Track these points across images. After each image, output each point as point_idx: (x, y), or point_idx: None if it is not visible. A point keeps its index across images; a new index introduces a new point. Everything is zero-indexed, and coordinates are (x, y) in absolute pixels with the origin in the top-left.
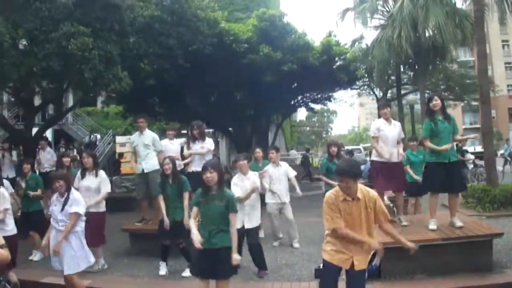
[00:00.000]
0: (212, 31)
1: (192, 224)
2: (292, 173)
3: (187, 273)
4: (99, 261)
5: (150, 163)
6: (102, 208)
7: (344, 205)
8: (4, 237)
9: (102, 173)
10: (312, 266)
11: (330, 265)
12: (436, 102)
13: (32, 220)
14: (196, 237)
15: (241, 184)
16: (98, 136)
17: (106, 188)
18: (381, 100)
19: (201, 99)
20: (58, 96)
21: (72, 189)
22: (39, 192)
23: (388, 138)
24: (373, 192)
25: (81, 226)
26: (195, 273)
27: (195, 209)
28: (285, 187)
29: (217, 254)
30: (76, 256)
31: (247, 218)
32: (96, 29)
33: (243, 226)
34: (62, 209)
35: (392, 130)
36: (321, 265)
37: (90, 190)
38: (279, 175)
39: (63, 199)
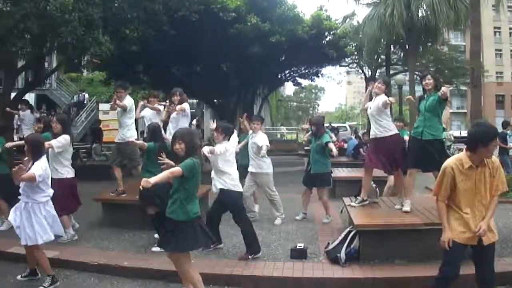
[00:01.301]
0: None
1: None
2: (262, 141)
3: (156, 248)
4: (67, 232)
5: (123, 134)
6: (65, 174)
7: (471, 172)
8: None
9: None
10: (289, 245)
11: (458, 244)
12: (429, 81)
13: None
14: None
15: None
16: (86, 95)
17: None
18: (369, 79)
19: (187, 68)
20: (39, 59)
21: (43, 156)
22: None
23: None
24: (495, 158)
25: (44, 196)
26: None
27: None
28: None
29: (172, 225)
30: (35, 228)
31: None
32: None
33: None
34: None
35: (372, 105)
36: (298, 245)
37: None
38: (252, 144)
39: (30, 165)
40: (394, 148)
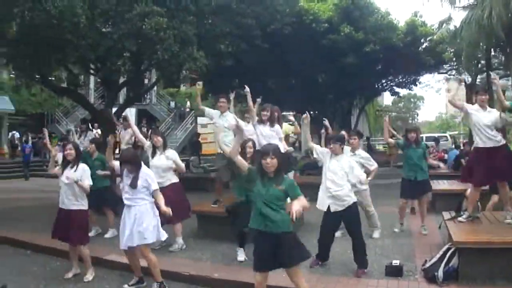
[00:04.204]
0: (291, 11)
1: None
2: (366, 164)
3: (241, 257)
4: (178, 241)
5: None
6: (173, 179)
7: None
8: (80, 211)
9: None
10: (385, 261)
11: None
12: None
13: (103, 197)
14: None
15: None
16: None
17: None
18: (470, 86)
19: (281, 81)
20: (138, 75)
21: (143, 166)
22: (107, 172)
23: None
24: None
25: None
26: (258, 268)
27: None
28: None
29: (279, 240)
30: (147, 228)
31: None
32: (171, 9)
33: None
34: (132, 185)
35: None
36: (393, 261)
37: (158, 169)
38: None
39: (132, 176)
40: (502, 160)
